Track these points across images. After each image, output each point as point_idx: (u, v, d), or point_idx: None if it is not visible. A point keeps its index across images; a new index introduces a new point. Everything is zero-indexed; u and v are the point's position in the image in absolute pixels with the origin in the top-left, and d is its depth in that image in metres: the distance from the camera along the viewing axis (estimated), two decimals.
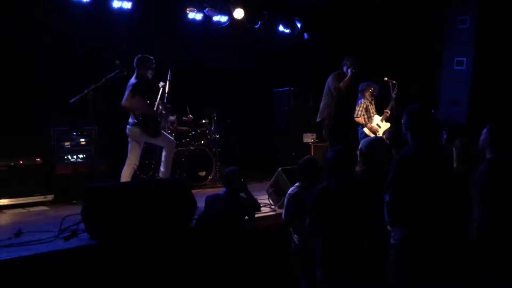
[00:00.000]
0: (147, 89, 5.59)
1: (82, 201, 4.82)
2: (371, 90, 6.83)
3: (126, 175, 5.47)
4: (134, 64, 5.51)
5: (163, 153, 5.80)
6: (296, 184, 4.13)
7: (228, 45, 8.47)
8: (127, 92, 5.36)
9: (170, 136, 6.06)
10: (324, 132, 6.81)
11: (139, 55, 5.55)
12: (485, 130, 3.46)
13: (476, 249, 3.19)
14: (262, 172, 7.96)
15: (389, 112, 6.76)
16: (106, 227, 4.05)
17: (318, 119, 6.78)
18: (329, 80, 6.64)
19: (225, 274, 4.06)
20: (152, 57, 5.60)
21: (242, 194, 4.54)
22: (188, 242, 4.24)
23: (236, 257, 4.11)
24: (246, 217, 4.53)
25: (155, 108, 5.78)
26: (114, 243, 4.01)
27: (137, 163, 5.62)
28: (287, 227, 4.21)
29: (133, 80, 5.46)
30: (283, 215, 4.15)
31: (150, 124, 5.57)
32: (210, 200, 4.41)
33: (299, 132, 8.40)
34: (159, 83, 6.00)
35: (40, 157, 6.15)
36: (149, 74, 5.57)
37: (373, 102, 6.90)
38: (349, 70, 6.50)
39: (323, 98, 6.71)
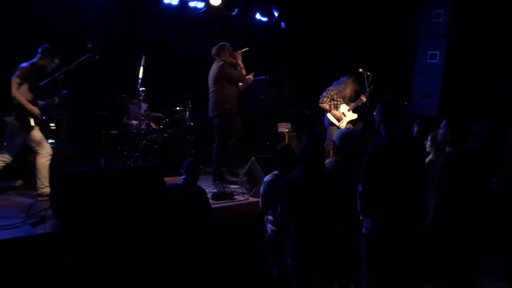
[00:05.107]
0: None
1: (51, 187, 4.74)
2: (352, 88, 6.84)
3: None
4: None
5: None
6: (272, 172, 4.12)
7: (204, 32, 8.36)
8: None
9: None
10: None
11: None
12: (443, 124, 3.55)
13: (429, 236, 3.29)
14: (236, 161, 7.95)
15: (365, 99, 6.70)
16: (75, 213, 3.97)
17: None
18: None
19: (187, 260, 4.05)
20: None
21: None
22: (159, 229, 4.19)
23: (198, 244, 4.08)
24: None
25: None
26: (82, 230, 3.93)
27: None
28: (263, 216, 4.21)
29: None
30: (260, 204, 4.13)
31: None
32: (168, 189, 4.34)
33: (274, 121, 8.39)
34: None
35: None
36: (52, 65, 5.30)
37: (344, 92, 6.89)
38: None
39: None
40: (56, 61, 5.26)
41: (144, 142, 6.72)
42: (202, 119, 7.98)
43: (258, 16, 8.95)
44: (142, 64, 6.07)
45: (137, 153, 6.62)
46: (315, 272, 3.36)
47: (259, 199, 4.13)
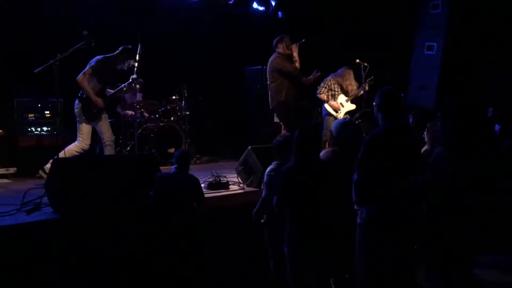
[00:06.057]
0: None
1: (47, 174, 4.72)
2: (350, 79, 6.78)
3: None
4: None
5: None
6: (273, 163, 4.09)
7: (201, 21, 8.31)
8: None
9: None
10: None
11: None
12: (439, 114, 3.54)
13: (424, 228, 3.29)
14: (232, 150, 7.94)
15: (367, 87, 6.59)
16: (70, 201, 3.96)
17: None
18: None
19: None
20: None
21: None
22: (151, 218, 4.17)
23: (190, 234, 4.07)
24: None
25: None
26: (78, 217, 3.92)
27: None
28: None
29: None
30: (263, 194, 4.03)
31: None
32: (160, 178, 4.32)
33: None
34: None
35: (2, 129, 5.95)
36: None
37: (343, 84, 6.84)
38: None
39: None
40: (131, 62, 5.57)
41: (139, 131, 6.69)
42: (198, 108, 7.97)
43: (255, 5, 8.90)
44: (138, 52, 6.01)
45: (132, 142, 6.60)
46: (310, 262, 3.37)
47: (263, 190, 4.07)
